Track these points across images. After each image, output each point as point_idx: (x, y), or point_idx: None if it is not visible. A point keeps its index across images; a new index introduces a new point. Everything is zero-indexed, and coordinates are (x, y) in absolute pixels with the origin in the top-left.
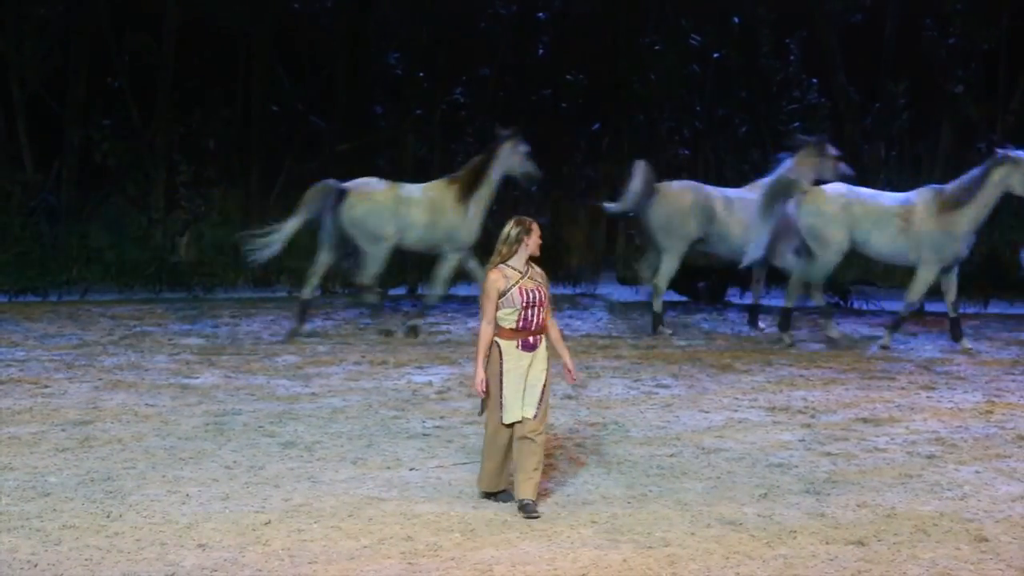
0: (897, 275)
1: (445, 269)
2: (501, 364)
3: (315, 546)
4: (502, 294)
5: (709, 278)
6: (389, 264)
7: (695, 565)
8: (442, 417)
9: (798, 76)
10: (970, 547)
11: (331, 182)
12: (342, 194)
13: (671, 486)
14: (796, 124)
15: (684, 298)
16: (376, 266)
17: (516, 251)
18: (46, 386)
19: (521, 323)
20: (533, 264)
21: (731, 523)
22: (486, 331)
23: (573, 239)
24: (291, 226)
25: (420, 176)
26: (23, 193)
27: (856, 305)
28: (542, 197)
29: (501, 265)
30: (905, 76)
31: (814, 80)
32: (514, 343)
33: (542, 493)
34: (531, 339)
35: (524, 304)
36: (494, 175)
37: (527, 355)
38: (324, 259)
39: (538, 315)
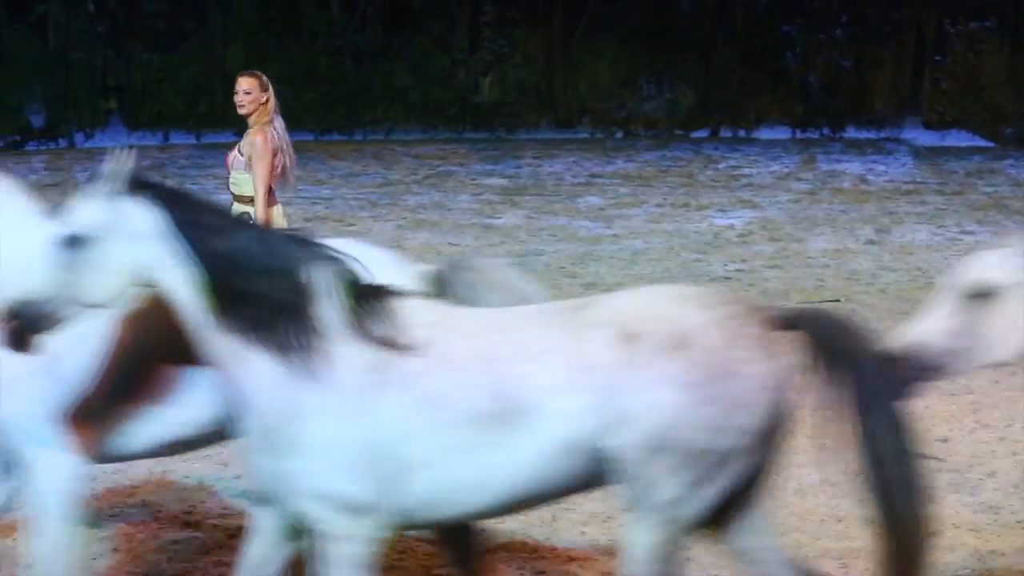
0: None
1: None
2: None
3: None
4: None
5: (1014, 123)
6: (692, 104)
7: (998, 413)
8: (743, 260)
9: None
10: None
11: None
12: None
13: None
14: None
15: (991, 144)
16: None
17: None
18: (351, 224)
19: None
20: (271, 129)
21: None
22: None
23: (877, 82)
24: None
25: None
26: (329, 32)
27: None
28: (846, 40)
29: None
30: None
31: None
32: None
33: None
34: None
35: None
36: None
37: None
38: None
39: (232, 185)
